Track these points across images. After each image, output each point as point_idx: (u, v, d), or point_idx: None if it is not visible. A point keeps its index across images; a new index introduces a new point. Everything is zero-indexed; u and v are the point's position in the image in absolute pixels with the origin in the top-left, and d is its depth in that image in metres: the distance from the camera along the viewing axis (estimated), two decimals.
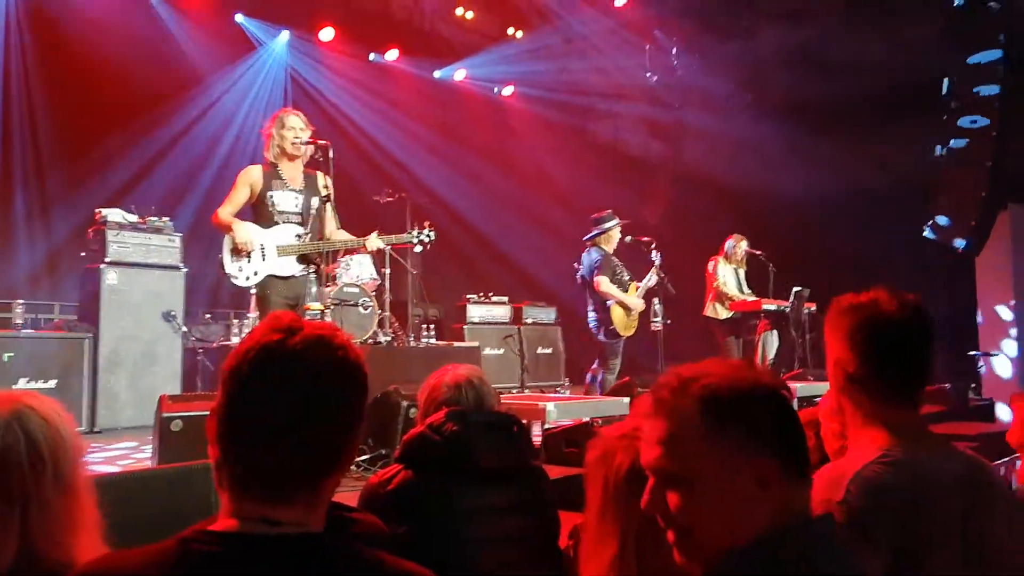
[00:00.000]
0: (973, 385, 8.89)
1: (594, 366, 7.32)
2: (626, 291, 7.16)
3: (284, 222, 4.95)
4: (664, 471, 1.20)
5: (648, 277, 7.29)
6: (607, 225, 7.21)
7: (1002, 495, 1.64)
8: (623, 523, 1.54)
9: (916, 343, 1.67)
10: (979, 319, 10.13)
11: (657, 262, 7.30)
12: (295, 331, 1.18)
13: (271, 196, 4.94)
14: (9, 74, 7.94)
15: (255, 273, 4.87)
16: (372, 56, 11.00)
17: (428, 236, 5.36)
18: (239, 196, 4.95)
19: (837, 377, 1.70)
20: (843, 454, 1.76)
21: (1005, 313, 10.03)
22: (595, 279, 7.01)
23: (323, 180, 5.05)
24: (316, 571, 1.14)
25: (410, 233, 5.40)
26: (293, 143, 4.94)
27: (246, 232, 4.84)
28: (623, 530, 1.54)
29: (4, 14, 7.98)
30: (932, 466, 1.58)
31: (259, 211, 4.97)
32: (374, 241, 5.14)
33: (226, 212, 4.90)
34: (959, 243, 9.80)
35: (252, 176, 4.99)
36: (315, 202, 5.01)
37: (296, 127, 4.99)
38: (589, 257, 7.19)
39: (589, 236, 7.28)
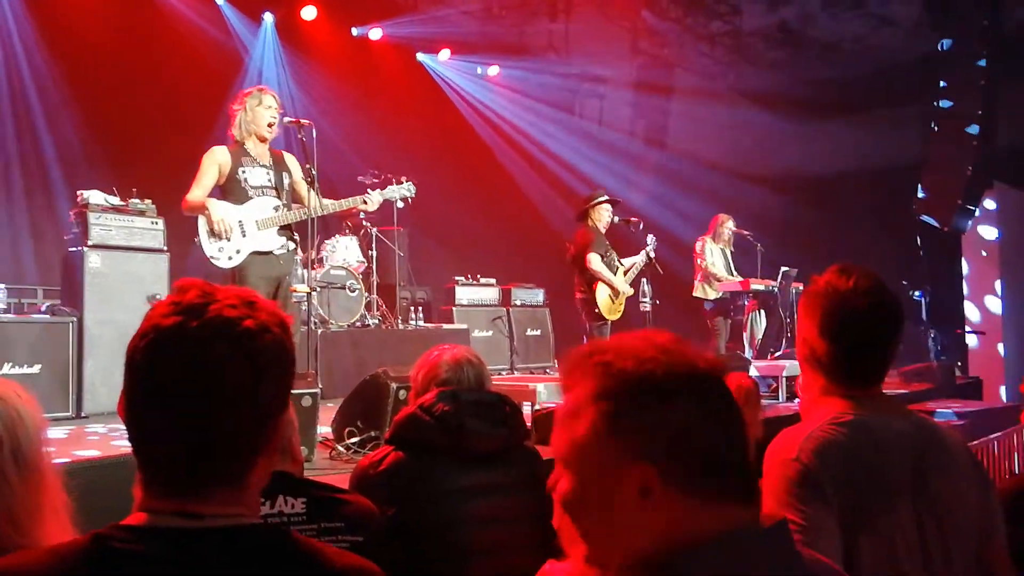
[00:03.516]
0: (959, 363, 8.94)
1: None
2: (615, 274, 7.10)
3: (259, 196, 4.86)
4: (556, 449, 1.05)
5: (637, 258, 7.24)
6: (597, 200, 7.15)
7: (953, 454, 1.67)
8: None
9: (884, 331, 1.71)
10: (966, 296, 10.19)
11: (651, 246, 7.25)
12: (198, 311, 1.05)
13: (242, 172, 4.81)
14: None
15: (237, 252, 4.76)
16: (356, 32, 10.87)
17: (408, 190, 5.34)
18: (207, 178, 4.79)
19: (803, 353, 1.76)
20: None
21: (992, 290, 10.09)
22: (586, 256, 6.92)
23: (293, 161, 5.01)
24: (247, 564, 1.05)
25: (391, 188, 5.38)
26: (269, 123, 4.86)
27: (221, 210, 4.73)
28: None
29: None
30: (882, 426, 1.63)
31: (231, 190, 4.83)
32: (375, 196, 5.11)
33: (196, 195, 4.75)
34: (945, 222, 9.84)
35: (219, 156, 4.83)
36: (286, 179, 4.94)
37: (273, 106, 4.91)
38: (581, 235, 7.14)
39: (578, 211, 7.25)
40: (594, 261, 6.89)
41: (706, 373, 1.01)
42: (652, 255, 7.21)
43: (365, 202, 5.12)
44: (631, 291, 7.15)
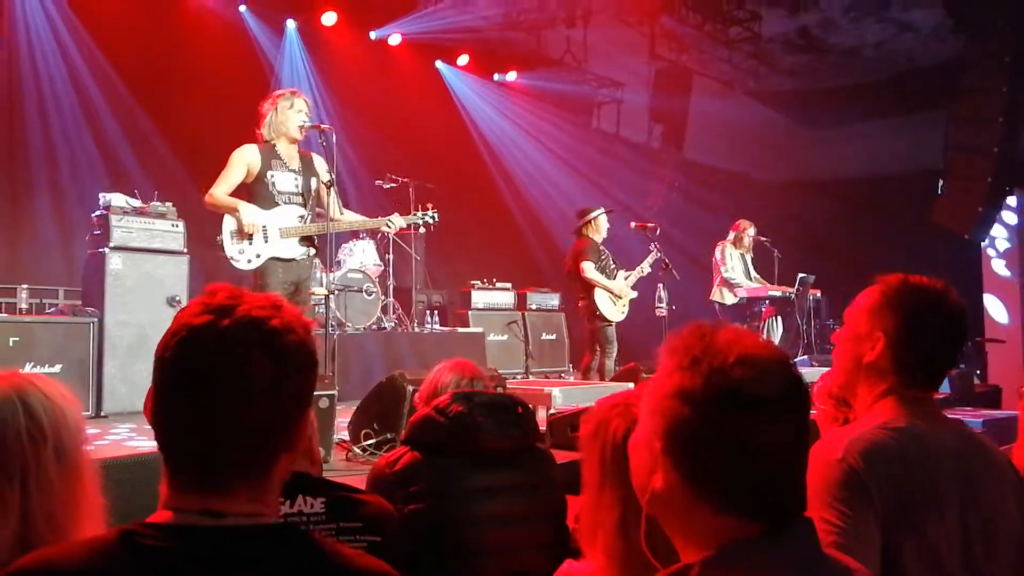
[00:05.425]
0: (978, 371, 8.87)
1: (586, 358, 7.31)
2: (612, 279, 7.14)
3: (285, 203, 4.88)
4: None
5: (642, 265, 7.26)
6: (592, 214, 7.22)
7: (997, 464, 1.68)
8: (624, 489, 1.51)
9: (963, 337, 1.75)
10: (985, 304, 10.11)
11: (652, 255, 7.27)
12: (227, 311, 1.09)
13: (271, 176, 4.82)
14: (15, 57, 7.91)
15: (257, 256, 4.79)
16: (374, 35, 10.92)
17: (432, 217, 5.37)
18: (234, 176, 4.81)
19: (863, 355, 1.72)
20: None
21: (1011, 298, 10.00)
22: (580, 265, 7.01)
23: (321, 163, 5.01)
24: (267, 564, 1.07)
25: (415, 214, 5.41)
26: (300, 126, 4.87)
27: (252, 215, 4.77)
28: (624, 496, 1.51)
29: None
30: (931, 434, 1.63)
31: (258, 192, 4.84)
32: (399, 221, 5.14)
33: (222, 192, 4.78)
34: (965, 228, 9.76)
35: (249, 156, 4.83)
36: (314, 183, 4.95)
37: (303, 110, 4.92)
38: (575, 246, 7.21)
39: (576, 227, 7.31)
40: (588, 269, 7.00)
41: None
42: (650, 267, 7.23)
43: (389, 224, 5.15)
44: (634, 293, 7.19)
